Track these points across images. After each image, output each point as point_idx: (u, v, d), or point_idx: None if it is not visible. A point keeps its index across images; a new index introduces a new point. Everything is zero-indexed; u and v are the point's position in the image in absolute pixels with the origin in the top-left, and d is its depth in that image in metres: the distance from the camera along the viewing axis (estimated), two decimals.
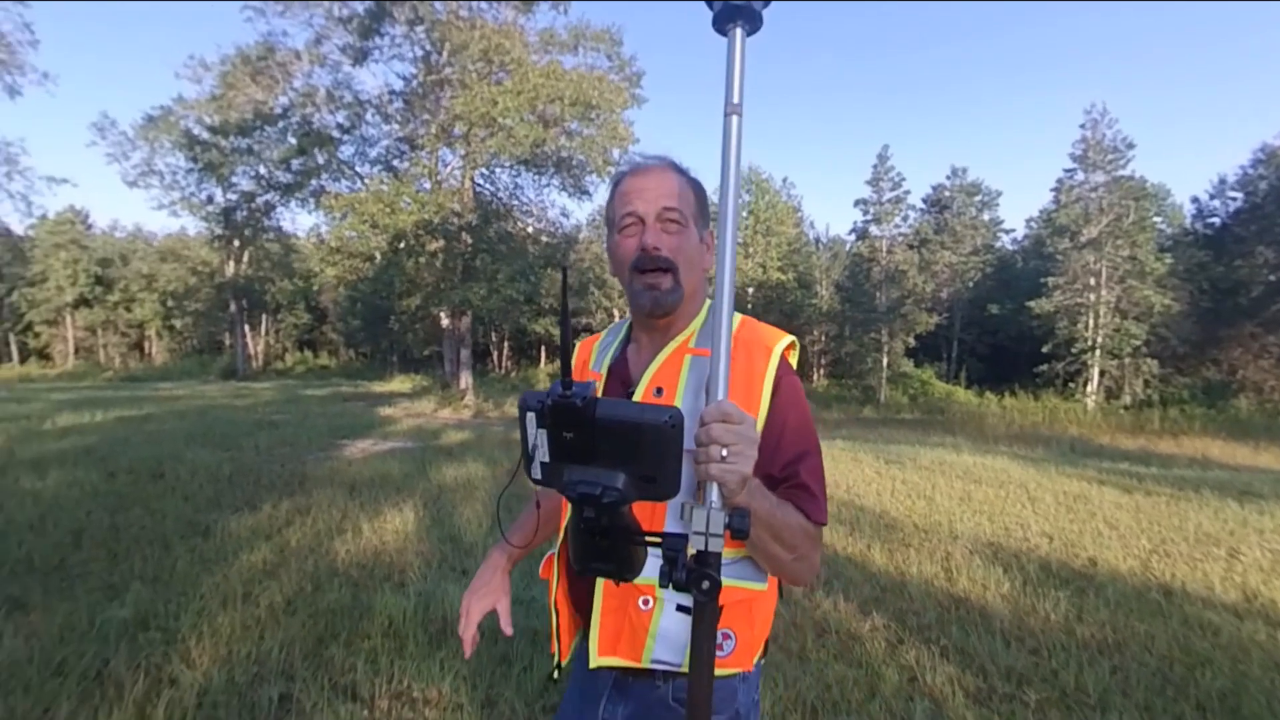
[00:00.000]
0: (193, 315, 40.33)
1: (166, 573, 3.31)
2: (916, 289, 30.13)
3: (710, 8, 0.79)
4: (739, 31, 0.78)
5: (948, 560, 3.99)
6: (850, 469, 7.50)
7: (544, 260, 20.79)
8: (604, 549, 0.75)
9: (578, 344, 1.17)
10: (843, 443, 10.68)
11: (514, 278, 18.71)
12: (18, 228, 28.99)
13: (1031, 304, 26.45)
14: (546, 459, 0.72)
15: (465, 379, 20.56)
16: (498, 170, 21.25)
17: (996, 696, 2.38)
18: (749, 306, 33.84)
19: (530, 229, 22.41)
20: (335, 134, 22.24)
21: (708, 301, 1.06)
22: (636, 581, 0.89)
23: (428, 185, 19.62)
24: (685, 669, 0.86)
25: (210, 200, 27.36)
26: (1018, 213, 54.01)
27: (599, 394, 1.02)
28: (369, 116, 22.26)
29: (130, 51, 80.00)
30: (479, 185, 21.24)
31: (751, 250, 34.47)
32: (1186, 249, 26.74)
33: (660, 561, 0.76)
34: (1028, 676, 2.51)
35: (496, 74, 18.75)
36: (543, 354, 39.53)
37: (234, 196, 26.70)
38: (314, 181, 23.22)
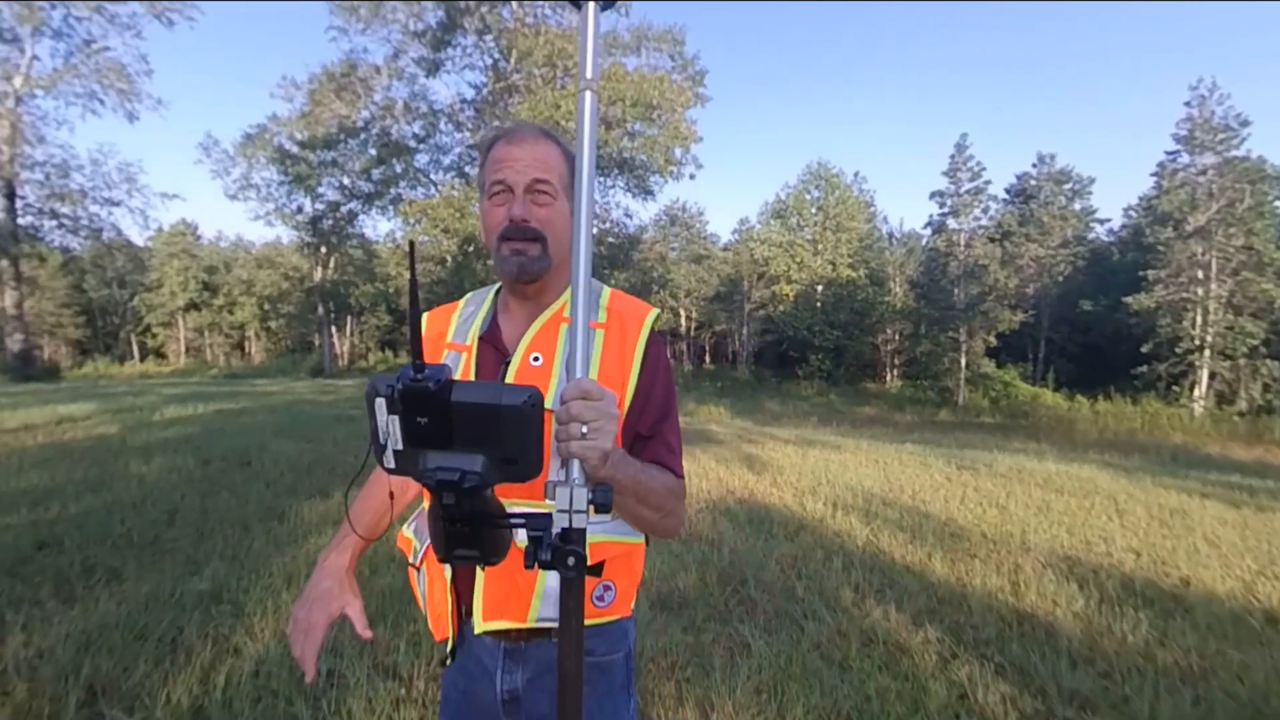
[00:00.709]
0: (286, 317, 43.40)
1: (243, 552, 3.58)
2: (998, 284, 28.42)
3: None
4: (592, 6, 0.77)
5: (1016, 573, 3.74)
6: (917, 474, 7.15)
7: (608, 261, 21.04)
8: (467, 535, 0.73)
9: (426, 316, 1.13)
10: (913, 446, 10.21)
11: None
12: (137, 239, 32.24)
13: (1129, 300, 24.37)
14: (400, 446, 0.70)
15: None
16: None
17: None
18: (817, 305, 32.99)
19: (595, 231, 22.79)
20: (411, 143, 23.40)
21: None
22: (519, 545, 0.89)
23: None
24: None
25: (300, 210, 29.36)
26: (1113, 201, 50.23)
27: (471, 370, 1.02)
28: (442, 125, 23.31)
29: (233, 76, 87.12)
30: None
31: (820, 247, 33.58)
32: None
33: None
34: (1094, 702, 2.32)
35: (561, 79, 19.15)
36: None
37: (321, 206, 28.56)
38: (393, 190, 24.51)
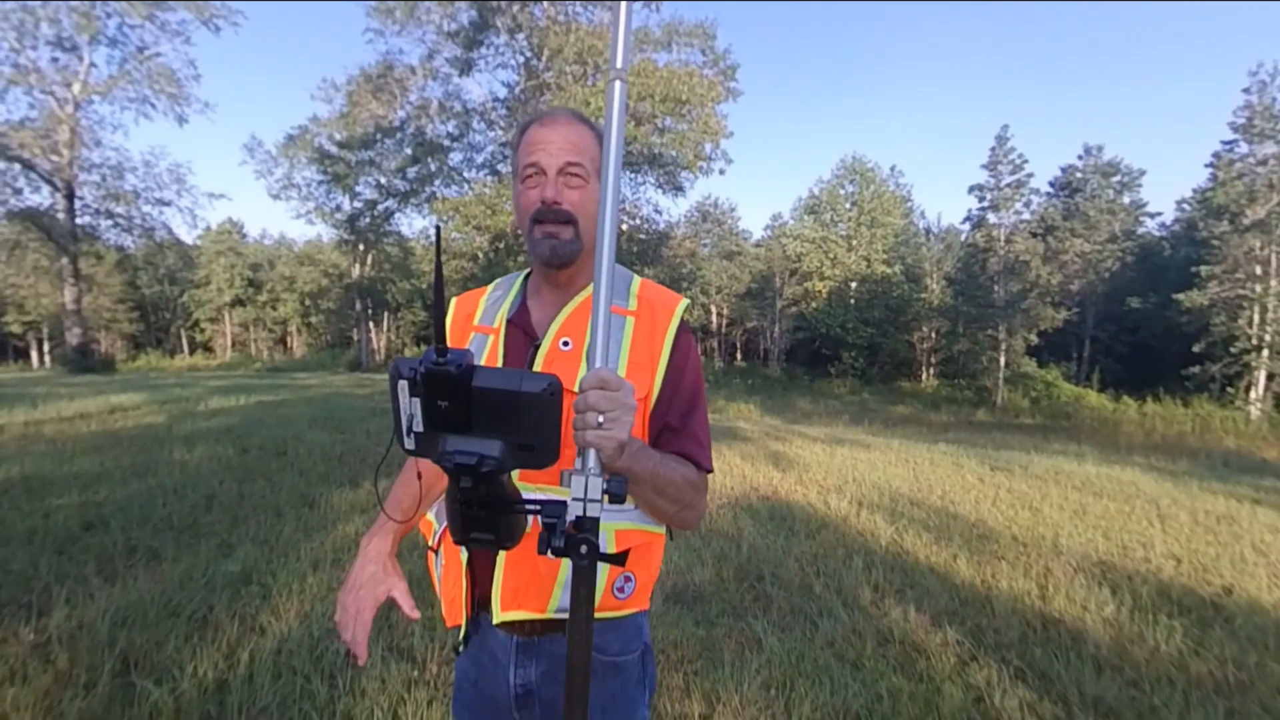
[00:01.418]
0: (326, 313, 44.68)
1: (274, 537, 3.71)
2: (1040, 281, 27.50)
3: None
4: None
5: (1045, 577, 3.63)
6: (949, 474, 6.99)
7: (638, 258, 21.07)
8: (482, 519, 0.74)
9: (454, 301, 1.14)
10: (946, 446, 9.97)
11: None
12: (187, 238, 33.63)
13: (1181, 297, 23.30)
14: (420, 429, 0.71)
15: None
16: None
17: None
18: (851, 301, 32.42)
19: (624, 226, 22.83)
20: (446, 142, 23.77)
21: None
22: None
23: None
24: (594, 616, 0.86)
25: (339, 208, 30.17)
26: (1165, 194, 48.11)
27: (499, 353, 1.02)
28: (475, 124, 23.62)
29: (275, 77, 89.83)
30: None
31: (855, 243, 32.99)
32: None
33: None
34: (1119, 711, 2.24)
35: (592, 75, 19.21)
36: None
37: (359, 204, 29.30)
38: (428, 188, 24.96)
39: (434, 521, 1.09)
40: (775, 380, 32.44)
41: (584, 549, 0.72)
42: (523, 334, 1.03)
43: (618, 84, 0.77)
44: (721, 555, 3.74)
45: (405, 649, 2.41)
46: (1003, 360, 27.34)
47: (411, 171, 24.64)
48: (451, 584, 1.02)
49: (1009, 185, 28.81)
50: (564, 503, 0.74)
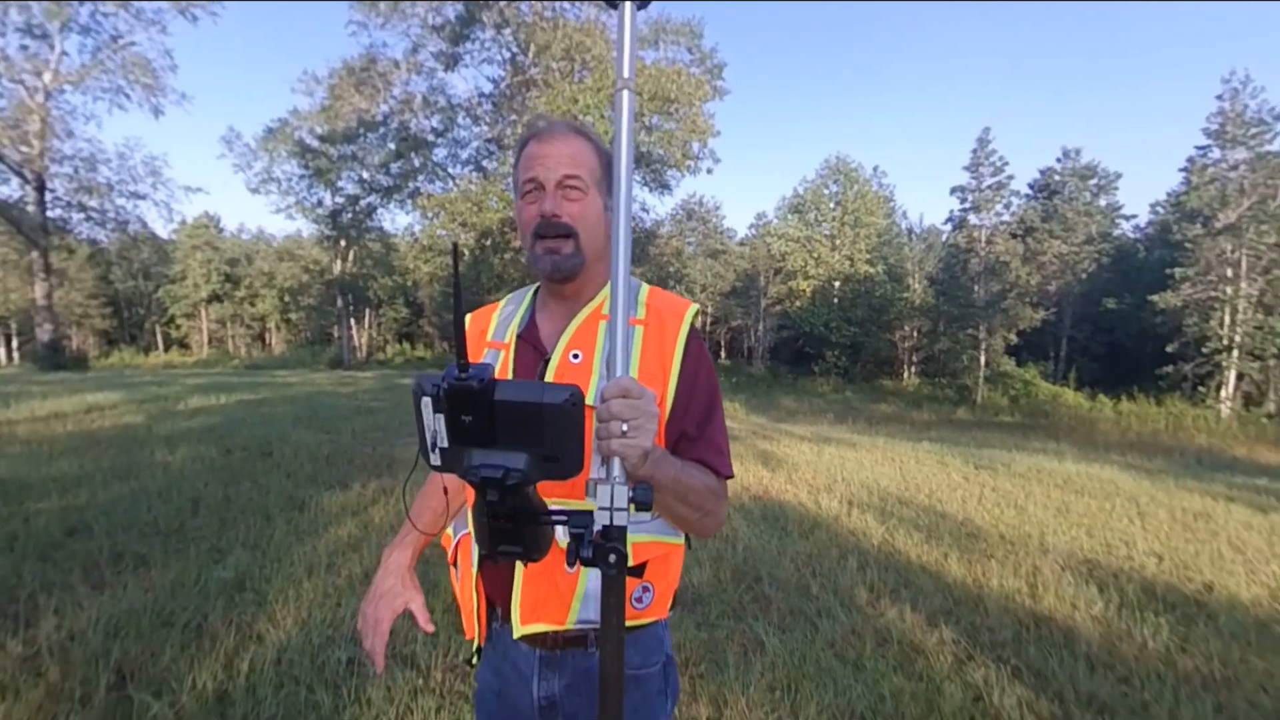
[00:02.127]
0: (306, 310, 44.02)
1: (265, 541, 3.65)
2: (1020, 281, 27.99)
3: None
4: (628, 6, 0.76)
5: (1034, 575, 3.70)
6: (935, 473, 7.09)
7: None
8: (510, 531, 0.74)
9: (469, 316, 1.15)
10: (930, 445, 10.11)
11: None
12: (162, 232, 32.92)
13: (1155, 298, 23.86)
14: (445, 444, 0.71)
15: None
16: None
17: None
18: (835, 301, 32.71)
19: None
20: (430, 138, 23.51)
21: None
22: (560, 545, 0.91)
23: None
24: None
25: (320, 204, 29.71)
26: (1140, 197, 49.18)
27: (509, 368, 1.02)
28: (460, 119, 23.40)
29: (255, 71, 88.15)
30: None
31: (839, 243, 33.28)
32: None
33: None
34: (1112, 707, 2.29)
35: (579, 72, 19.12)
36: None
37: (340, 200, 28.87)
38: (411, 184, 24.68)
39: (452, 535, 1.10)
40: (760, 378, 32.65)
41: (613, 558, 0.72)
42: (532, 349, 1.03)
43: (625, 94, 0.76)
44: (718, 556, 3.76)
45: (409, 656, 2.39)
46: (983, 359, 27.80)
47: (395, 166, 24.35)
48: (466, 598, 1.04)
49: (990, 187, 29.27)
50: (590, 513, 0.74)
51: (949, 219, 32.01)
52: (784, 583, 3.43)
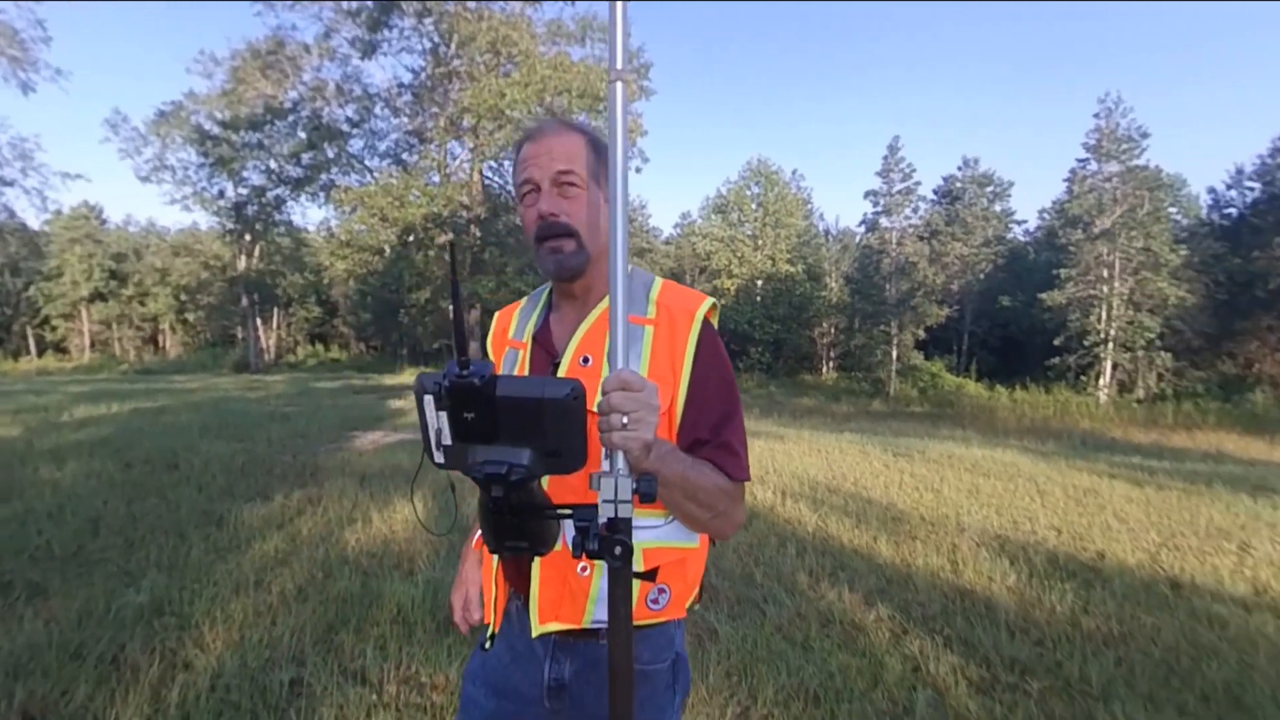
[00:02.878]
0: (205, 309, 40.73)
1: (181, 560, 3.38)
2: (927, 281, 29.89)
3: None
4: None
5: (954, 552, 3.99)
6: (858, 462, 7.48)
7: None
8: (516, 527, 0.75)
9: (496, 313, 1.17)
10: (851, 435, 10.65)
11: (523, 271, 18.77)
12: (33, 223, 29.50)
13: (1043, 296, 26.18)
14: (449, 442, 0.71)
15: None
16: (506, 163, 21.29)
17: (999, 686, 2.39)
18: (758, 299, 33.75)
19: None
20: (345, 128, 22.33)
21: (632, 266, 1.02)
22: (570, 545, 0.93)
23: (436, 179, 19.68)
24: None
25: (221, 195, 27.62)
26: (1030, 204, 53.54)
27: (526, 368, 1.03)
28: (378, 110, 22.36)
29: (142, 47, 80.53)
30: (487, 178, 21.27)
31: (760, 242, 34.33)
32: (1202, 240, 26.35)
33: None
34: (1031, 667, 2.52)
35: (505, 66, 18.73)
36: None
37: (245, 191, 26.92)
38: (324, 176, 23.35)
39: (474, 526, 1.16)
40: None
41: (618, 550, 0.72)
42: (544, 351, 1.03)
43: (619, 85, 0.76)
44: None
45: (358, 671, 2.28)
46: (894, 354, 29.52)
47: (306, 157, 22.94)
48: (489, 587, 1.08)
49: (899, 192, 31.09)
50: (595, 506, 0.74)
51: (863, 221, 33.76)
52: (729, 572, 3.53)
